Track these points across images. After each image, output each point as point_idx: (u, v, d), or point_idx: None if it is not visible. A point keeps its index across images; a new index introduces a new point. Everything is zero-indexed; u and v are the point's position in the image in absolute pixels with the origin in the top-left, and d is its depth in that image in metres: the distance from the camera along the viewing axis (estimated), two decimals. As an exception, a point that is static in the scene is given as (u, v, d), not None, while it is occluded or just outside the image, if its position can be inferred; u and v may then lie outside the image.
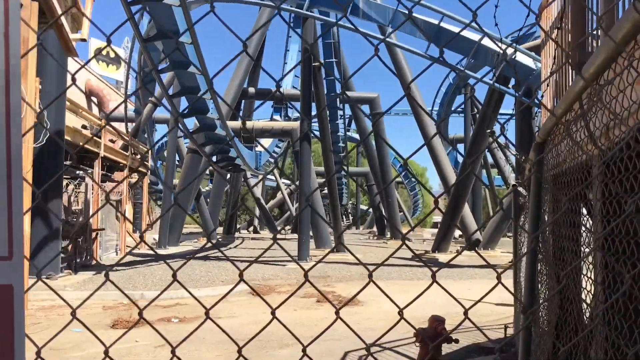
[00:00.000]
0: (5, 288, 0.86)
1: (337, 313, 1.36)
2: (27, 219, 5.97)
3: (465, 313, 1.39)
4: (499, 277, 1.35)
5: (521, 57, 17.76)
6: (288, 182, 55.22)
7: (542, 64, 6.08)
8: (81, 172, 18.09)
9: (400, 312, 1.36)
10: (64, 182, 17.14)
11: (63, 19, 6.35)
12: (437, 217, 74.24)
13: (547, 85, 4.13)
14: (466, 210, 25.69)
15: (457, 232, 35.83)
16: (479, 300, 1.57)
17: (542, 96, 5.21)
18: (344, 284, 15.36)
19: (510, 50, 17.23)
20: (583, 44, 3.45)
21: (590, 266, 3.25)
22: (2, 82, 0.80)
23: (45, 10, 5.51)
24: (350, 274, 17.28)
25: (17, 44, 0.82)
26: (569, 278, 3.00)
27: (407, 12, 16.56)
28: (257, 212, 47.47)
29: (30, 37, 5.44)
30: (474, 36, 18.14)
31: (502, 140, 34.11)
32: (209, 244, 28.74)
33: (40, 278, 1.15)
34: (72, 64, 18.38)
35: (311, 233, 22.36)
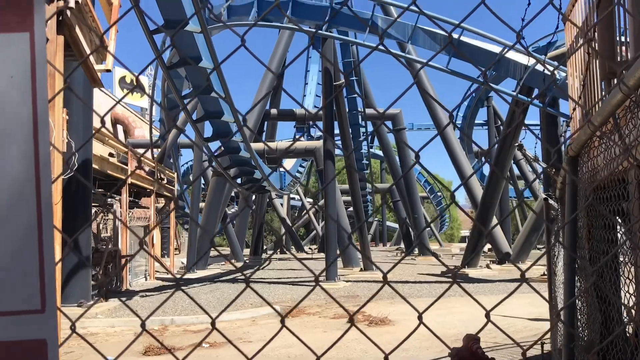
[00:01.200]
0: (38, 343, 0.82)
1: (381, 348, 1.29)
2: (57, 248, 6.02)
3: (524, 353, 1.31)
4: (555, 315, 1.27)
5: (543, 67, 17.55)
6: (312, 200, 55.24)
7: (568, 74, 5.97)
8: (109, 199, 18.32)
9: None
10: (93, 210, 17.38)
11: (88, 50, 6.47)
12: (465, 231, 73.33)
13: (579, 98, 4.04)
14: (493, 222, 25.32)
15: (487, 246, 35.31)
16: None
17: (572, 112, 5.10)
18: (374, 303, 15.19)
19: (534, 62, 17.05)
20: (612, 53, 3.36)
21: (631, 281, 3.13)
22: (30, 129, 0.78)
23: (71, 43, 5.62)
24: (380, 293, 17.08)
25: (44, 90, 0.80)
26: (612, 296, 2.89)
27: (425, 28, 16.44)
28: (283, 232, 47.48)
29: (57, 73, 5.54)
30: (495, 48, 18.04)
31: (529, 149, 33.71)
32: (234, 266, 28.75)
33: (74, 331, 1.12)
34: (97, 93, 18.74)
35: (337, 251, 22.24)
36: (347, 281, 19.98)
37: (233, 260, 32.81)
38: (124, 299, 16.35)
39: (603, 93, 3.78)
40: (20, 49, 0.81)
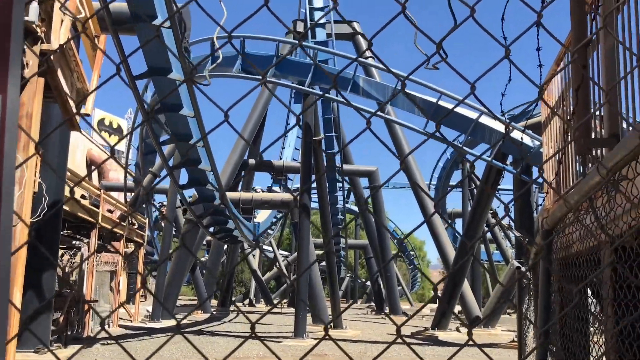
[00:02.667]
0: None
1: None
2: (18, 292, 5.81)
3: None
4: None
5: (518, 135, 17.98)
6: (286, 253, 54.67)
7: (543, 143, 6.12)
8: (77, 242, 17.89)
9: None
10: (59, 252, 16.90)
11: (69, 92, 6.43)
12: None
13: (556, 175, 4.12)
14: (465, 286, 25.29)
15: (457, 307, 35.11)
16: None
17: (547, 188, 5.18)
18: (342, 363, 14.85)
19: (509, 129, 17.50)
20: (588, 130, 3.45)
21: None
22: None
23: (52, 86, 5.58)
24: (349, 352, 16.67)
25: (12, 157, 0.75)
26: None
27: (406, 90, 16.86)
28: (253, 283, 46.79)
29: (34, 112, 5.47)
30: (472, 114, 18.48)
31: (502, 214, 33.99)
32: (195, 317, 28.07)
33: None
34: (74, 134, 18.56)
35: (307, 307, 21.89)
36: (315, 339, 19.57)
37: (198, 312, 32.01)
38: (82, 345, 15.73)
39: (579, 166, 3.85)
40: (-9, 109, 0.77)
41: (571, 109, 4.87)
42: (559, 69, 5.15)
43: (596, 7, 3.79)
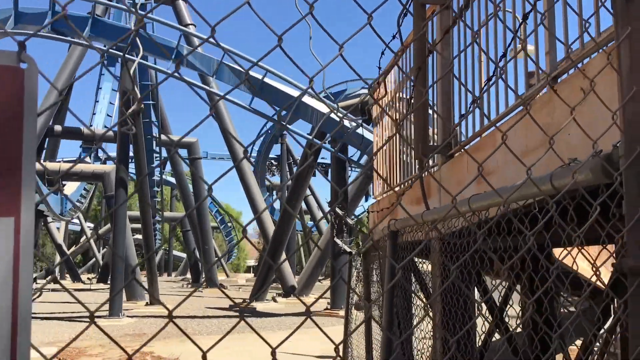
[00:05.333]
0: None
1: None
2: None
3: None
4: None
5: (336, 116, 18.99)
6: (93, 225, 51.49)
7: (374, 136, 6.61)
8: None
9: None
10: None
11: None
12: (251, 261, 74.63)
13: (391, 177, 4.50)
14: (282, 257, 26.25)
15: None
16: None
17: (379, 188, 5.63)
18: (163, 341, 14.58)
19: (328, 110, 18.39)
20: (426, 137, 3.84)
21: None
22: (7, 329, 0.66)
23: None
24: (168, 331, 16.17)
25: (29, 283, 0.68)
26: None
27: (231, 64, 16.64)
28: (58, 258, 43.46)
29: None
30: (294, 92, 19.04)
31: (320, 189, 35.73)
32: None
33: None
34: None
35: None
36: (131, 317, 18.91)
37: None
38: None
39: (415, 171, 4.28)
40: (3, 235, 0.69)
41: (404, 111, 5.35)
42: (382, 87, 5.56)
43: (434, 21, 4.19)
